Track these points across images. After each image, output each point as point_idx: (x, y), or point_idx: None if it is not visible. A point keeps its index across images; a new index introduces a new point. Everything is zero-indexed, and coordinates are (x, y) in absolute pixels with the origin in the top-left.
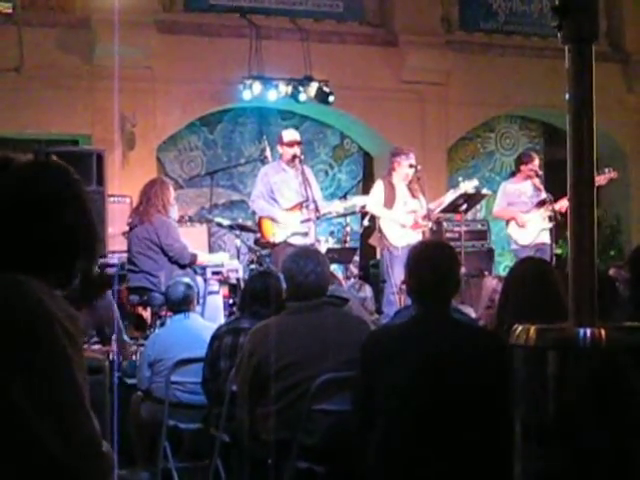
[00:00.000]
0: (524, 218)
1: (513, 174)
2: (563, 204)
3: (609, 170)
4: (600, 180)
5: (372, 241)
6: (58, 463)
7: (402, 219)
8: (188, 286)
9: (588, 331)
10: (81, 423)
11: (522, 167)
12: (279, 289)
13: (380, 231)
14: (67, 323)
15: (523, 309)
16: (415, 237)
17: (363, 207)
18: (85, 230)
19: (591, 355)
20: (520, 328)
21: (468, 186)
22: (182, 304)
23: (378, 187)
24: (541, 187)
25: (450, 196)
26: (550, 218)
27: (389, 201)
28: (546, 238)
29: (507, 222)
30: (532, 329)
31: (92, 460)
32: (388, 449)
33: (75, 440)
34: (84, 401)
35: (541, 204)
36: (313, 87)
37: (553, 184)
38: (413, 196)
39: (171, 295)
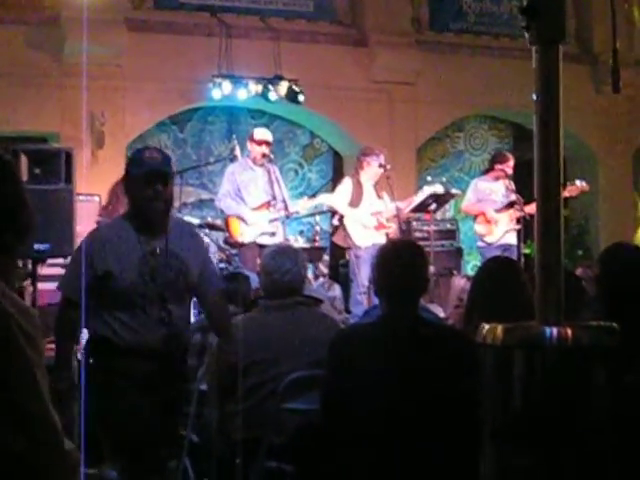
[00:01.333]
0: (493, 214)
1: (486, 172)
2: (533, 207)
3: (581, 182)
4: (571, 191)
5: (336, 239)
6: (22, 462)
7: (365, 220)
8: None
9: (554, 330)
10: (43, 422)
11: (496, 166)
12: (247, 290)
13: (345, 230)
14: (23, 321)
15: (490, 308)
16: (379, 238)
17: (330, 205)
18: (13, 201)
19: (557, 354)
20: (487, 327)
21: (433, 189)
22: None
23: (346, 184)
24: (512, 188)
25: (419, 197)
26: (518, 220)
27: (356, 200)
28: (512, 239)
29: (475, 217)
30: (499, 328)
31: (56, 458)
32: (356, 449)
33: (38, 439)
34: (45, 400)
35: (510, 205)
36: (283, 86)
37: (521, 184)
38: (378, 196)
39: None
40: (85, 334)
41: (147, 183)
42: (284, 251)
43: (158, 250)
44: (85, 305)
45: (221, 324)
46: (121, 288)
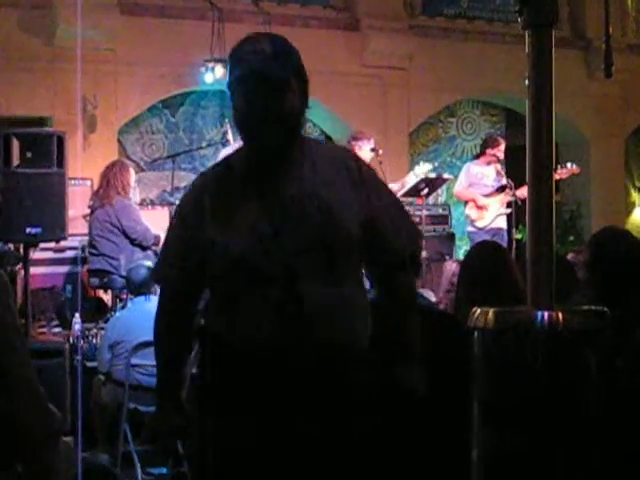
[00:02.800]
0: (484, 202)
1: (478, 156)
2: (524, 191)
3: (571, 165)
4: (562, 174)
5: None
6: (8, 417)
7: None
8: (150, 269)
9: (546, 314)
10: (25, 378)
11: (488, 150)
12: None
13: None
14: None
15: (479, 293)
16: None
17: None
18: None
19: (548, 338)
20: (479, 311)
21: (423, 169)
22: (144, 287)
23: None
24: (503, 172)
25: (410, 179)
26: (509, 204)
27: None
28: (503, 224)
29: (466, 203)
30: (490, 312)
31: (40, 414)
32: None
33: (20, 398)
34: (24, 359)
35: (501, 190)
36: None
37: (514, 169)
38: None
39: (133, 277)
40: (77, 318)
41: (246, 92)
42: None
43: (285, 195)
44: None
45: (401, 333)
46: (224, 263)
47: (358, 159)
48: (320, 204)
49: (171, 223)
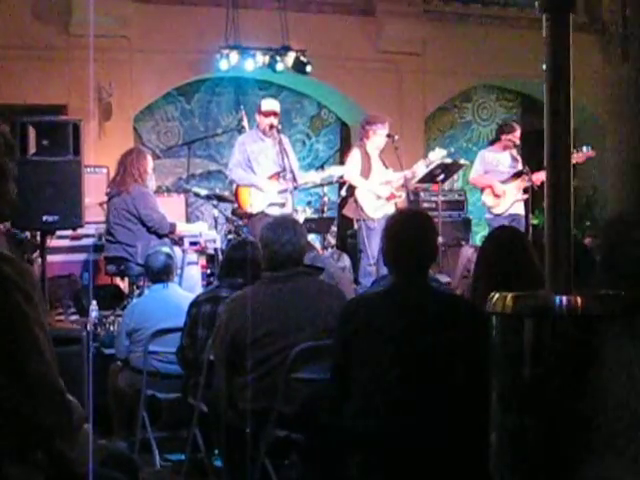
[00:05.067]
0: (500, 188)
1: (492, 142)
2: (540, 176)
3: (587, 148)
4: (578, 158)
5: (347, 212)
6: (26, 420)
7: (379, 190)
8: (168, 256)
9: (564, 299)
10: (41, 375)
11: (503, 137)
12: (258, 258)
13: (356, 202)
14: (18, 278)
15: (496, 278)
16: (390, 208)
17: (341, 177)
18: None
19: (567, 322)
20: (497, 296)
21: (437, 155)
22: (162, 274)
23: (355, 156)
24: (519, 158)
25: (421, 166)
26: (525, 190)
27: (366, 170)
28: (520, 209)
29: (482, 190)
30: (509, 297)
31: (60, 415)
32: (366, 418)
33: (40, 397)
34: (46, 358)
35: (517, 175)
36: (290, 57)
37: (530, 154)
38: (385, 166)
39: (151, 264)
40: (94, 305)
41: None
42: (282, 222)
43: None
44: None
45: None
46: None
47: None
48: None
49: None
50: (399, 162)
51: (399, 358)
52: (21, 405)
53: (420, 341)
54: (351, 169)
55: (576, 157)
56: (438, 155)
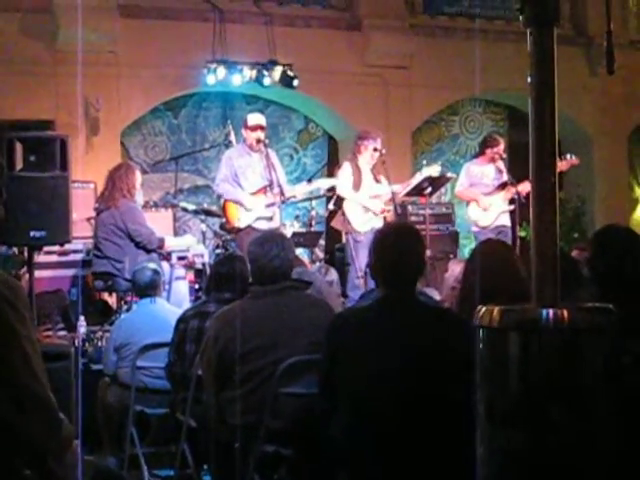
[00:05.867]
0: (486, 202)
1: (477, 155)
2: (525, 186)
3: (571, 156)
4: (562, 166)
5: (335, 224)
6: (16, 434)
7: (368, 203)
8: (155, 271)
9: (551, 312)
10: (35, 395)
11: (487, 150)
12: (245, 273)
13: (343, 215)
14: (8, 294)
15: (484, 291)
16: (378, 222)
17: (329, 190)
18: None
19: (554, 335)
20: (484, 309)
21: (431, 170)
22: (149, 289)
23: (346, 170)
24: (503, 169)
25: (416, 179)
26: (511, 200)
27: (356, 184)
28: (506, 221)
29: (467, 203)
30: (495, 310)
31: (50, 430)
32: (354, 432)
33: (31, 411)
34: (36, 373)
35: (502, 186)
36: (277, 71)
37: (517, 167)
38: (376, 180)
39: (138, 279)
40: (82, 321)
41: None
42: (270, 237)
43: None
44: None
45: None
46: None
47: None
48: None
49: None
50: (386, 175)
51: (387, 372)
52: (12, 421)
53: (408, 355)
54: (343, 182)
55: (560, 165)
56: (433, 170)
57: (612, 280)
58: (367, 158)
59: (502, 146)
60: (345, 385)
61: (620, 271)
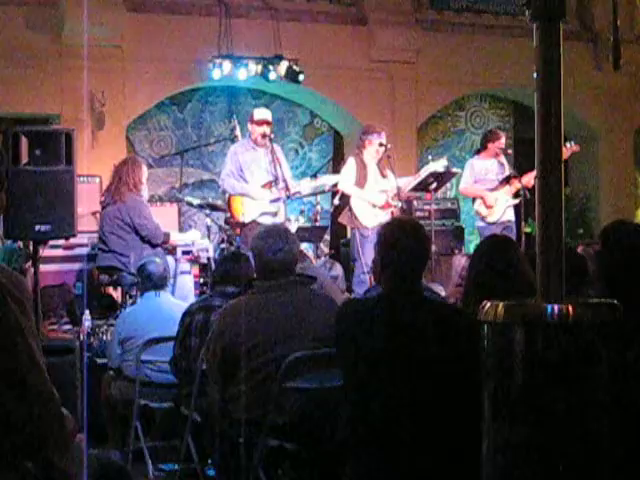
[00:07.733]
0: (492, 198)
1: (479, 151)
2: (529, 178)
3: (571, 144)
4: (563, 154)
5: (342, 220)
6: (19, 427)
7: (374, 199)
8: (160, 265)
9: (556, 307)
10: (38, 386)
11: (489, 145)
12: (249, 270)
13: (350, 210)
14: (13, 289)
15: (488, 286)
16: (385, 217)
17: (334, 186)
18: None
19: (559, 331)
20: (489, 304)
21: (437, 165)
22: (154, 282)
23: (350, 165)
24: (506, 164)
25: (422, 174)
26: (516, 194)
27: (361, 180)
28: (511, 216)
29: (473, 199)
30: (500, 305)
31: (53, 423)
32: (359, 423)
33: (34, 404)
34: (38, 365)
35: (506, 180)
36: (283, 66)
37: (523, 162)
38: (382, 175)
39: (144, 273)
40: (87, 315)
41: None
42: (274, 231)
43: None
44: None
45: None
46: None
47: None
48: None
49: None
50: (392, 170)
51: (391, 366)
52: (15, 413)
53: (412, 349)
54: (345, 178)
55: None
56: (440, 165)
57: (619, 276)
58: (372, 153)
59: (503, 140)
60: (347, 378)
61: (628, 267)
